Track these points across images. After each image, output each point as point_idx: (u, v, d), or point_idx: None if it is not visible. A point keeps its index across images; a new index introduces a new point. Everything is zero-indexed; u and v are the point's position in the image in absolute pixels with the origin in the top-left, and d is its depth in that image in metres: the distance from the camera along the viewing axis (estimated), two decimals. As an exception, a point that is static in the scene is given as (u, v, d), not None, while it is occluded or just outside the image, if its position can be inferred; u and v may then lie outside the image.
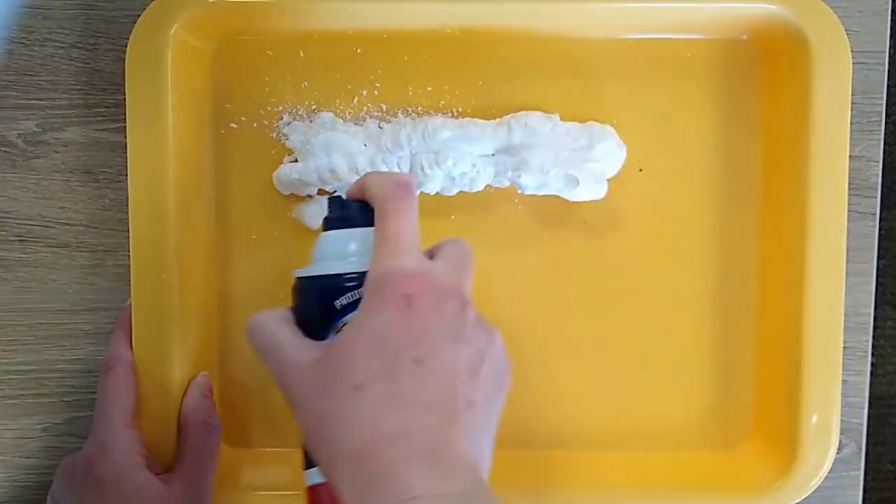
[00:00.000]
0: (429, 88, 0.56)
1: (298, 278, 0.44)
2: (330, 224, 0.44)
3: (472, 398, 0.38)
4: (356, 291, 0.41)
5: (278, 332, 0.41)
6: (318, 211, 0.55)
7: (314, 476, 0.42)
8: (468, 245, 0.43)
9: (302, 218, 0.56)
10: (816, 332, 0.53)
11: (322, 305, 0.42)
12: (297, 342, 0.41)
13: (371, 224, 0.42)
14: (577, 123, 0.55)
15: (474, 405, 0.38)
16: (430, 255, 0.42)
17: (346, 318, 0.41)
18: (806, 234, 0.53)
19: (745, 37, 0.56)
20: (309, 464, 0.43)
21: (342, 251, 0.43)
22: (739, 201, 0.57)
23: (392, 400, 0.37)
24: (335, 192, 0.52)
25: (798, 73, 0.53)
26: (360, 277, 0.41)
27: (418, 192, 0.55)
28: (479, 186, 0.54)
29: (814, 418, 0.54)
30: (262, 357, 0.42)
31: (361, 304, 0.40)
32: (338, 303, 0.41)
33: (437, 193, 0.55)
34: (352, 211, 0.43)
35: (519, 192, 0.55)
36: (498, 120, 0.54)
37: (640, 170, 0.56)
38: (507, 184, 0.54)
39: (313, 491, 0.42)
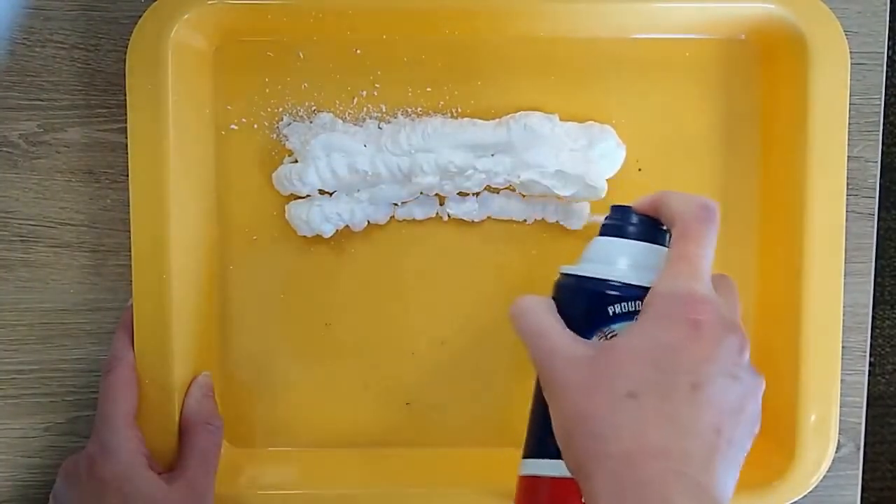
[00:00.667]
0: (428, 89, 0.56)
1: (568, 275, 0.44)
2: (612, 231, 0.44)
3: (732, 436, 0.39)
4: (633, 303, 0.41)
5: (547, 319, 0.42)
6: (316, 213, 0.55)
7: (533, 467, 0.44)
8: (735, 282, 0.44)
9: (292, 219, 0.56)
10: (815, 331, 0.54)
11: (592, 307, 0.42)
12: (567, 334, 0.41)
13: (653, 241, 0.43)
14: (576, 123, 0.55)
15: (732, 443, 0.39)
16: None
17: (614, 326, 0.42)
18: (805, 233, 0.53)
19: (743, 36, 0.56)
20: (530, 452, 0.44)
21: (622, 260, 0.43)
22: (738, 201, 0.57)
23: (664, 416, 0.38)
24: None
25: (796, 72, 0.53)
26: (638, 292, 0.41)
27: (419, 194, 0.55)
28: (479, 187, 0.54)
29: (812, 417, 0.54)
30: (526, 338, 0.42)
31: (644, 316, 0.40)
32: (611, 309, 0.42)
33: (436, 194, 0.55)
34: (639, 224, 0.44)
35: (517, 192, 0.55)
36: (497, 120, 0.54)
37: (639, 169, 0.56)
38: (506, 184, 0.54)
39: (531, 481, 0.44)
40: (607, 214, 0.45)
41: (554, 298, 0.44)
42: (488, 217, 0.56)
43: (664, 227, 0.44)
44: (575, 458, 0.39)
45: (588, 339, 0.42)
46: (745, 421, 0.39)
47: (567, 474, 0.41)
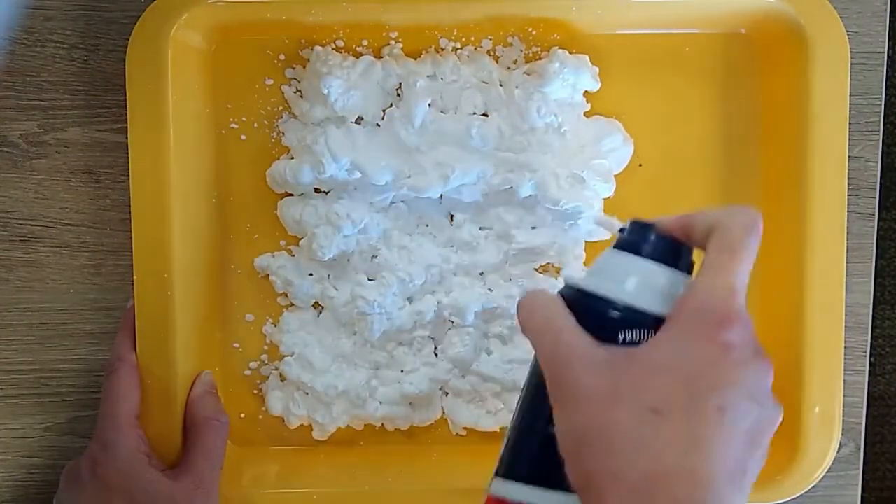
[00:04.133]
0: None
1: (574, 288, 0.40)
2: (629, 246, 0.40)
3: (748, 465, 0.36)
4: (643, 332, 0.38)
5: (563, 316, 0.38)
6: (310, 212, 0.55)
7: (508, 490, 0.39)
8: None
9: (284, 217, 0.56)
10: (817, 327, 0.54)
11: (599, 329, 0.38)
12: (584, 335, 0.38)
13: (675, 266, 0.39)
14: (584, 118, 0.55)
15: (747, 473, 0.36)
16: None
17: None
18: (806, 231, 0.53)
19: (743, 31, 0.56)
20: (508, 472, 0.39)
21: (633, 280, 0.39)
22: (739, 197, 0.57)
23: (688, 438, 0.35)
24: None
25: (797, 66, 0.53)
26: (651, 321, 0.38)
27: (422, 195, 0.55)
28: (479, 186, 0.54)
29: (816, 409, 0.54)
30: (537, 336, 0.39)
31: (675, 328, 0.37)
32: (621, 335, 0.38)
33: (439, 196, 0.55)
34: (661, 243, 0.39)
35: (519, 192, 0.55)
36: (499, 117, 0.54)
37: (640, 165, 0.56)
38: (509, 185, 0.54)
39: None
40: (625, 227, 0.41)
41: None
42: (489, 216, 0.56)
43: (689, 253, 0.40)
44: (584, 475, 0.36)
45: None
46: (761, 450, 0.37)
47: None
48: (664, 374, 0.36)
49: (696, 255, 0.40)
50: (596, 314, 0.38)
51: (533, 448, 0.39)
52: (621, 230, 0.41)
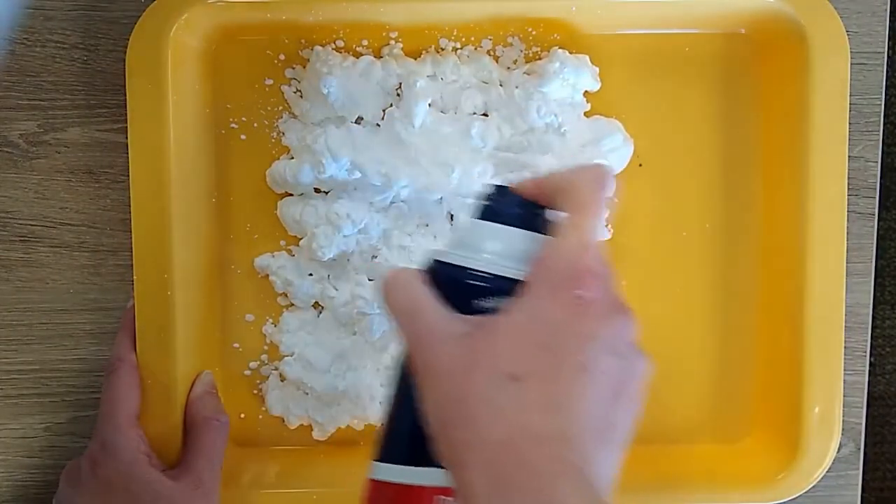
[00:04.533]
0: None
1: (437, 261, 0.39)
2: (486, 213, 0.40)
3: (615, 418, 0.36)
4: (504, 298, 0.37)
5: (421, 294, 0.38)
6: (310, 212, 0.55)
7: (384, 472, 0.39)
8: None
9: (284, 217, 0.56)
10: (818, 326, 0.54)
11: (460, 299, 0.38)
12: (442, 309, 0.37)
13: (533, 228, 0.39)
14: (582, 119, 0.55)
15: (616, 426, 0.36)
16: None
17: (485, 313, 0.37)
18: (806, 231, 0.53)
19: (743, 31, 0.56)
20: (381, 456, 0.39)
21: (492, 246, 0.39)
22: (739, 197, 0.57)
23: (550, 400, 0.35)
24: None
25: (797, 65, 0.53)
26: (508, 285, 0.37)
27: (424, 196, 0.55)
28: (480, 185, 0.54)
29: (816, 409, 0.54)
30: (398, 316, 0.38)
31: (529, 290, 0.37)
32: (483, 303, 0.37)
33: (439, 196, 0.55)
34: (518, 206, 0.39)
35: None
36: (499, 117, 0.54)
37: (640, 165, 0.56)
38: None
39: (378, 486, 0.39)
40: (484, 194, 0.40)
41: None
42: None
43: (547, 214, 0.39)
44: (449, 447, 0.36)
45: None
46: (628, 400, 0.37)
47: (421, 482, 0.37)
48: (522, 340, 0.36)
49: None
50: (455, 284, 0.38)
51: (404, 428, 0.39)
52: (486, 195, 0.40)
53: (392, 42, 0.55)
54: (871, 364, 0.60)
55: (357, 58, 0.55)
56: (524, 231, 0.39)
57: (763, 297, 0.57)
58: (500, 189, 0.40)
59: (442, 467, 0.36)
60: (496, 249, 0.39)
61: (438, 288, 0.38)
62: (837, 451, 0.55)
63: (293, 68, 0.56)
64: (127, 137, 0.52)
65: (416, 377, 0.38)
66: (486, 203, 0.40)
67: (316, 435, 0.57)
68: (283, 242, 0.57)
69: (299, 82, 0.56)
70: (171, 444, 0.53)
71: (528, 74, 0.55)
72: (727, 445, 0.58)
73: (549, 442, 0.34)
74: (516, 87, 0.54)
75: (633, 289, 0.57)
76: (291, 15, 0.54)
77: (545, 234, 0.39)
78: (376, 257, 0.55)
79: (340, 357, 0.57)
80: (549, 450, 0.34)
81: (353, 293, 0.55)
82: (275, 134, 0.56)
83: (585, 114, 0.56)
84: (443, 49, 0.55)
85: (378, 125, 0.55)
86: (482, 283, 0.38)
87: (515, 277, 0.38)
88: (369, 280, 0.55)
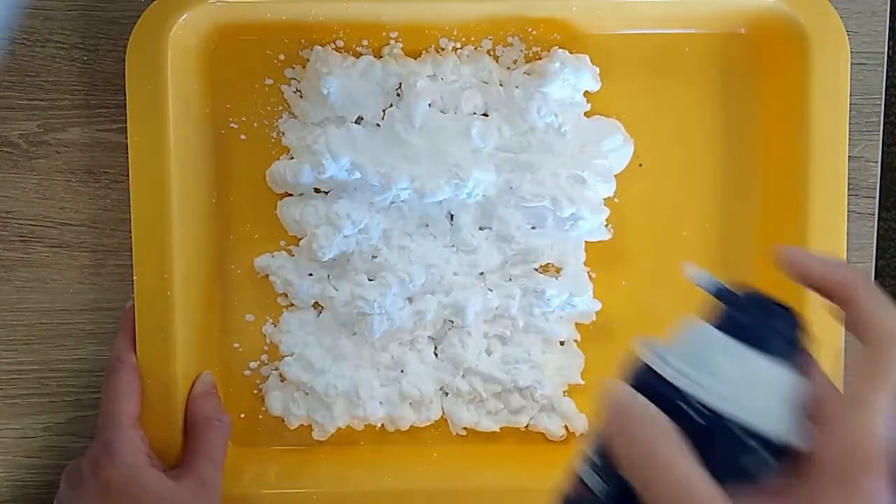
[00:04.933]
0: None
1: (679, 392, 0.29)
2: (750, 337, 0.30)
3: None
4: (762, 461, 0.29)
5: (687, 465, 0.30)
6: (310, 212, 0.55)
7: None
8: None
9: (284, 217, 0.56)
10: (817, 327, 0.53)
11: (727, 461, 0.29)
12: (714, 489, 0.29)
13: (794, 361, 0.30)
14: (583, 119, 0.55)
15: None
16: None
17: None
18: (806, 231, 0.53)
19: (743, 30, 0.56)
20: None
21: (762, 390, 0.29)
22: (739, 196, 0.57)
23: None
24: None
25: (797, 65, 0.53)
26: (773, 448, 0.29)
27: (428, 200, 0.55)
28: (481, 186, 0.54)
29: None
30: (644, 471, 0.30)
31: (812, 474, 0.30)
32: (754, 475, 0.30)
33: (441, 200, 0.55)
34: (790, 335, 0.30)
35: (521, 194, 0.55)
36: (500, 117, 0.54)
37: (640, 165, 0.56)
38: (509, 185, 0.54)
39: None
40: (726, 289, 0.31)
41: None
42: (490, 217, 0.56)
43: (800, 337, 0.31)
44: None
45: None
46: None
47: None
48: None
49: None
50: (709, 436, 0.29)
51: None
52: (722, 292, 0.31)
53: (392, 42, 0.55)
54: (871, 364, 0.59)
55: (357, 58, 0.55)
56: (792, 369, 0.30)
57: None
58: (765, 302, 0.30)
59: None
60: (766, 397, 0.29)
61: (709, 448, 0.29)
62: (837, 451, 0.55)
63: (293, 68, 0.56)
64: (127, 137, 0.52)
65: None
66: (746, 318, 0.30)
67: (316, 435, 0.57)
68: (283, 242, 0.57)
69: (299, 82, 0.56)
70: (172, 445, 0.53)
71: (529, 74, 0.55)
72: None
73: None
74: (516, 87, 0.54)
75: (634, 289, 0.57)
76: (291, 15, 0.54)
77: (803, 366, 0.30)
78: (376, 257, 0.55)
79: (340, 357, 0.56)
80: None
81: (353, 293, 0.55)
82: (275, 134, 0.56)
83: (585, 114, 0.56)
84: (443, 49, 0.55)
85: (378, 125, 0.55)
86: (752, 445, 0.29)
87: (786, 443, 0.29)
88: (369, 280, 0.55)
